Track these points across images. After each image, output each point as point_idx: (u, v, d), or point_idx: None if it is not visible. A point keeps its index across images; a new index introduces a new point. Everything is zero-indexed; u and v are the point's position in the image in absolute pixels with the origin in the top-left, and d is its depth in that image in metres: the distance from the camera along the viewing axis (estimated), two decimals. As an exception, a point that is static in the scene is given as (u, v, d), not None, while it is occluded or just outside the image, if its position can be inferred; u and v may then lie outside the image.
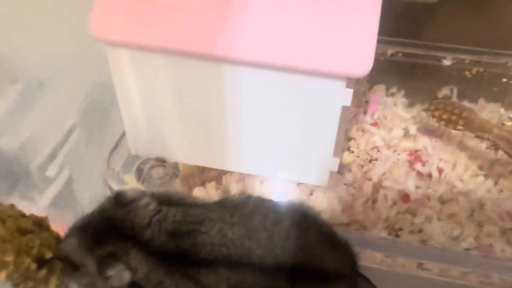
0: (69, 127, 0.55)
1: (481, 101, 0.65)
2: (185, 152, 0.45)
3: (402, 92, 0.66)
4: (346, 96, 0.36)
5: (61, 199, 0.52)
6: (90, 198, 0.52)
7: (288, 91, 0.37)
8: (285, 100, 0.38)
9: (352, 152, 0.50)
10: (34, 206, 0.50)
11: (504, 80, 0.60)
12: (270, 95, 0.38)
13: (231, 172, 0.52)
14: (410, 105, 0.66)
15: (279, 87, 0.38)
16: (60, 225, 0.33)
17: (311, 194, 0.53)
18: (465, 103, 0.65)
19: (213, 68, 0.37)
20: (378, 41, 0.37)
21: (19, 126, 0.52)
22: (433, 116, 0.49)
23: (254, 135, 0.41)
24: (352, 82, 0.37)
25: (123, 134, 0.46)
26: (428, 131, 0.57)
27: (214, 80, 0.38)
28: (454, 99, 0.65)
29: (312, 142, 0.40)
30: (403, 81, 0.66)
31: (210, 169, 0.53)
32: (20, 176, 0.51)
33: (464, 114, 0.46)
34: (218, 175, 0.54)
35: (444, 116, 0.48)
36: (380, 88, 0.66)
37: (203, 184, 0.52)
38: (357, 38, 0.35)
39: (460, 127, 0.48)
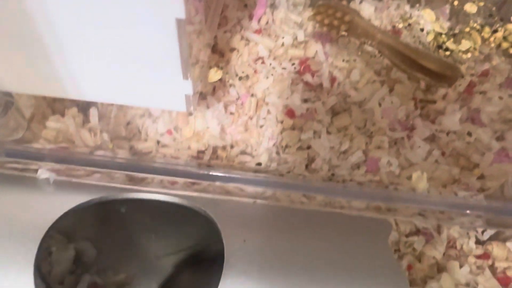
0: None
1: (387, -3, 0.58)
2: (14, 80, 0.36)
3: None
4: (176, 6, 0.28)
5: None
6: None
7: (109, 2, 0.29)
8: (109, 15, 0.30)
9: (221, 68, 0.43)
10: None
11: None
12: (89, 8, 0.29)
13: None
14: (311, 5, 0.57)
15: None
16: None
17: (190, 115, 0.47)
18: (370, 1, 0.57)
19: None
20: None
21: None
22: (317, 21, 0.42)
23: (88, 57, 0.33)
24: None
25: None
26: (321, 36, 0.50)
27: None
28: (357, -4, 0.57)
29: (154, 64, 0.33)
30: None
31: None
32: None
33: (347, 18, 0.40)
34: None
35: (326, 21, 0.42)
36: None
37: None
38: None
39: (344, 33, 0.41)
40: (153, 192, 0.36)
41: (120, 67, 0.35)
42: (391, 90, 0.52)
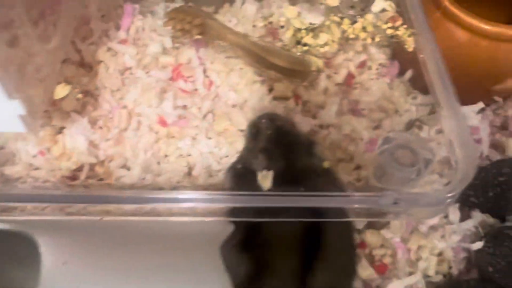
0: None
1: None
2: None
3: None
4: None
5: None
6: None
7: None
8: None
9: (70, 83, 0.42)
10: None
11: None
12: None
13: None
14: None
15: None
16: None
17: (58, 133, 0.45)
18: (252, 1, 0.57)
19: None
20: None
21: None
22: (172, 27, 0.41)
23: None
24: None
25: None
26: (196, 41, 0.50)
27: None
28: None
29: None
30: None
31: None
32: None
33: (197, 21, 0.39)
34: None
35: (178, 26, 0.41)
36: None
37: None
38: None
39: (198, 36, 0.41)
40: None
41: None
42: (271, 89, 0.51)
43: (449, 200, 0.35)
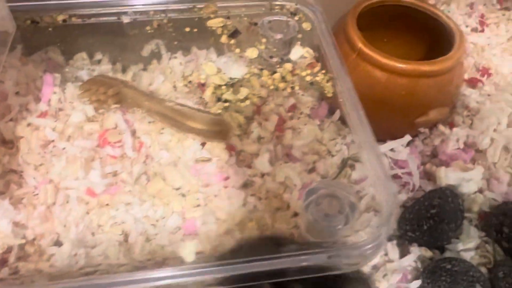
0: None
1: (195, 49, 0.59)
2: None
3: (107, 57, 0.56)
4: None
5: None
6: None
7: None
8: None
9: None
10: None
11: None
12: None
13: None
14: (123, 70, 0.57)
15: None
16: None
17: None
18: (178, 54, 0.58)
19: None
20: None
21: None
22: (88, 99, 0.41)
23: None
24: None
25: None
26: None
27: None
28: (164, 53, 0.57)
29: None
30: (105, 45, 0.57)
31: None
32: None
33: (111, 91, 0.39)
34: None
35: (94, 97, 0.40)
36: (81, 57, 0.56)
37: None
38: None
39: (115, 105, 0.40)
40: None
41: None
42: (204, 143, 0.51)
43: (376, 248, 0.35)
